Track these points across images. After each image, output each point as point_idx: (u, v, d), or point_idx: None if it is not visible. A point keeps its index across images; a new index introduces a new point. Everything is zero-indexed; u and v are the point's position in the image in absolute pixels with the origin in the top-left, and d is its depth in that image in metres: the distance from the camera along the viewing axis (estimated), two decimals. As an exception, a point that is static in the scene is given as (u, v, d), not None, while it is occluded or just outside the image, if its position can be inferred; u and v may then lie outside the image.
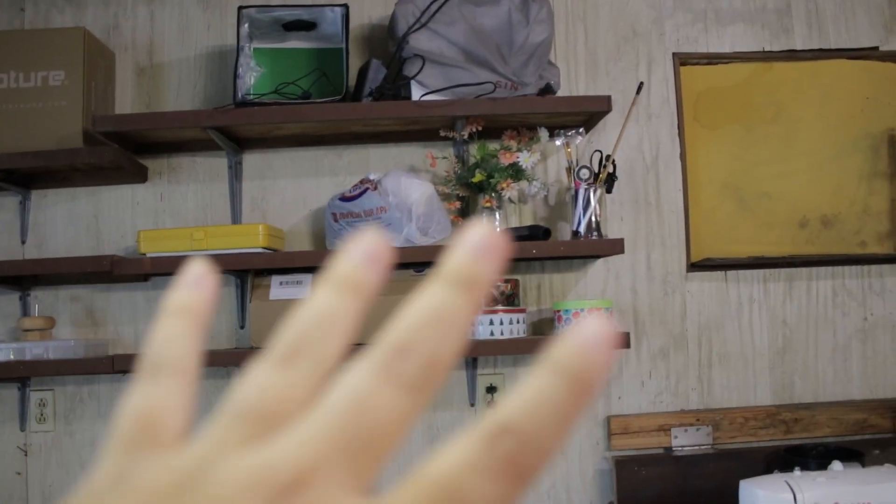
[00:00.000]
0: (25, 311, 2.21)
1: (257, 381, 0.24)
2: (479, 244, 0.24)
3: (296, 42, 2.12)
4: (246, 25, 2.02)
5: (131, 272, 1.96)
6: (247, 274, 2.12)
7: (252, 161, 2.18)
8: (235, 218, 2.15)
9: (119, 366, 1.95)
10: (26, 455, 2.19)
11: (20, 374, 2.07)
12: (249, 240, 1.93)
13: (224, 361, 2.02)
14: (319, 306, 0.25)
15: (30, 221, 2.23)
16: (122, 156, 2.02)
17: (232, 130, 2.02)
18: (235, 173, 2.15)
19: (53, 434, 2.19)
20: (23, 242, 2.23)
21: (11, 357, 2.00)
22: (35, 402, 2.20)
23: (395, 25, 2.02)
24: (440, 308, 0.23)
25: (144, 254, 1.95)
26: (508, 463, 0.20)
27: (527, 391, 0.22)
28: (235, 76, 1.97)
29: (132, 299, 2.19)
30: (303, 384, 0.24)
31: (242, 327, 2.15)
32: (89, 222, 2.22)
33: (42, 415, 2.21)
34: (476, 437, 0.21)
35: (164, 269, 1.97)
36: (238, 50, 1.99)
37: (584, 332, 0.22)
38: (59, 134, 2.01)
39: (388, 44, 2.08)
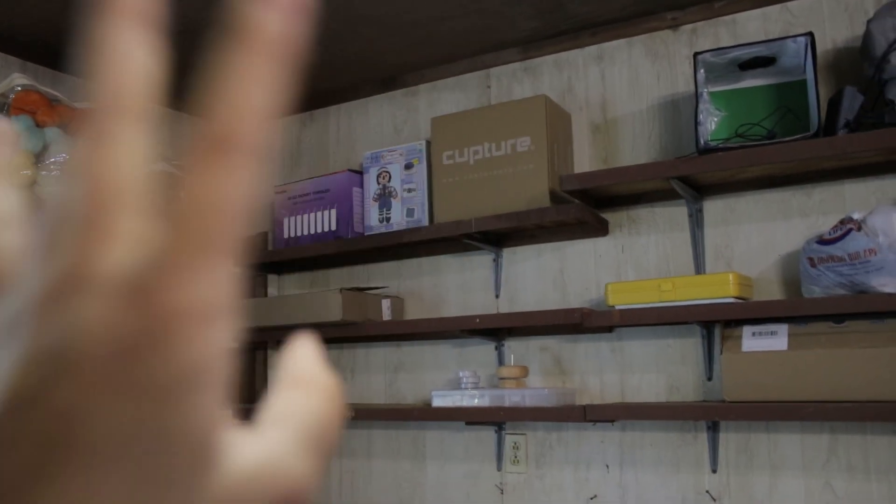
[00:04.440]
0: (501, 361, 2.39)
1: None
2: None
3: (753, 80, 2.03)
4: (702, 71, 1.99)
5: (600, 324, 2.02)
6: (714, 325, 2.05)
7: (714, 207, 2.12)
8: (699, 267, 2.10)
9: (591, 416, 2.00)
10: (502, 493, 2.36)
11: (499, 419, 2.24)
12: (719, 289, 1.87)
13: (692, 415, 1.97)
14: None
15: (502, 277, 2.43)
16: (586, 211, 2.10)
17: (694, 178, 1.99)
18: (697, 221, 2.11)
19: (525, 476, 2.33)
20: (496, 296, 2.44)
21: (489, 403, 2.18)
22: (510, 444, 2.37)
23: (872, 45, 1.82)
24: None
25: (613, 306, 1.99)
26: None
27: None
28: (696, 123, 1.93)
29: (597, 350, 2.25)
30: None
31: (710, 379, 2.08)
32: (555, 276, 2.34)
33: (516, 457, 2.36)
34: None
35: (631, 321, 1.99)
36: (697, 96, 1.96)
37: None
38: (527, 195, 2.17)
39: (863, 67, 1.88)
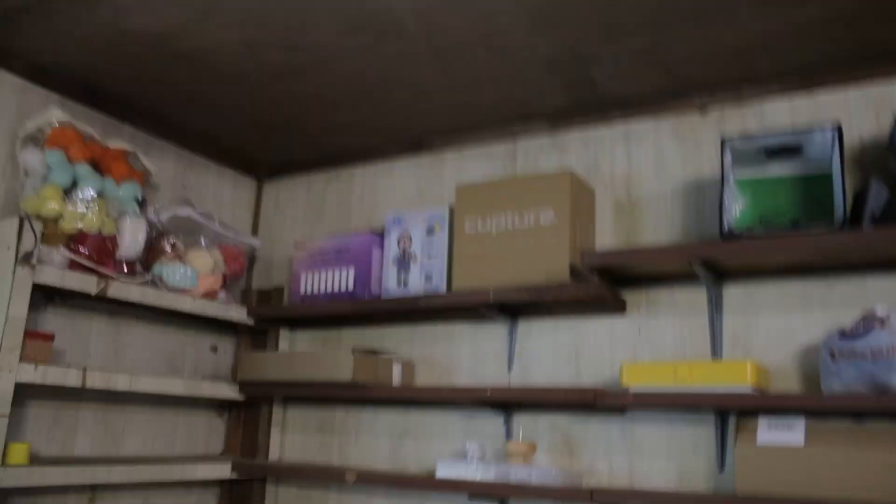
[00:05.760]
0: (509, 435, 2.34)
1: None
2: None
3: (779, 169, 2.02)
4: (729, 156, 1.99)
5: (613, 404, 1.97)
6: (728, 414, 2.00)
7: (734, 293, 2.09)
8: (716, 353, 2.06)
9: (598, 499, 1.94)
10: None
11: (503, 495, 2.18)
12: (736, 377, 1.82)
13: (703, 506, 1.90)
14: None
15: (516, 349, 2.40)
16: (605, 290, 2.07)
17: (715, 263, 1.96)
18: (716, 306, 2.07)
19: (527, 557, 2.25)
20: (509, 369, 2.40)
21: (494, 478, 2.12)
22: (513, 522, 2.30)
23: (898, 141, 1.82)
24: None
25: (626, 387, 1.95)
26: None
27: None
28: (721, 207, 1.92)
29: (608, 431, 2.20)
30: None
31: (722, 470, 2.01)
32: (570, 352, 2.31)
33: (518, 536, 2.28)
34: None
35: (645, 403, 1.94)
36: (723, 181, 1.95)
37: None
38: (547, 269, 2.15)
39: (889, 161, 1.88)
